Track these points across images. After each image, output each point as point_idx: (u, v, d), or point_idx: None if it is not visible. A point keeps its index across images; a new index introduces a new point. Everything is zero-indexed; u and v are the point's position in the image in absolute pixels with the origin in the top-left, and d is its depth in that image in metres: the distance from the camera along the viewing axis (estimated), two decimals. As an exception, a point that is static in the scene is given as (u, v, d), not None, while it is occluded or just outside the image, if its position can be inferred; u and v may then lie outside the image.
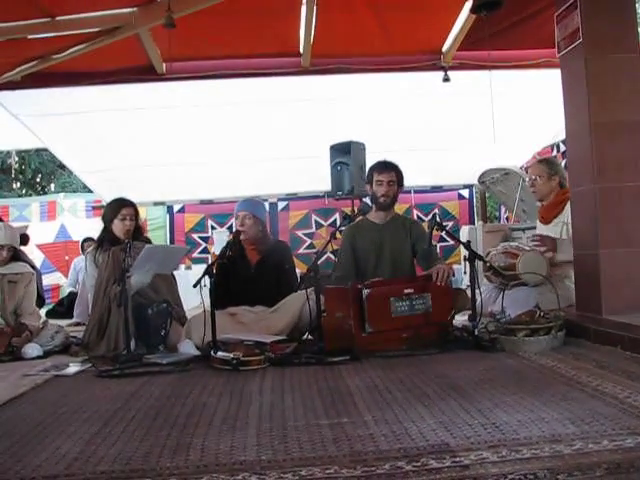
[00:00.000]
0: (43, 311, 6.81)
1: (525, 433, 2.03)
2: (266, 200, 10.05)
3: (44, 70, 5.84)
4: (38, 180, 20.89)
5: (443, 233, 4.36)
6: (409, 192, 10.32)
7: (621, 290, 3.84)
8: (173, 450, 2.07)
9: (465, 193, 11.11)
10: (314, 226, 10.81)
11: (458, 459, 1.84)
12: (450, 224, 10.46)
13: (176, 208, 10.91)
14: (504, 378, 2.92)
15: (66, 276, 10.36)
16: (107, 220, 4.62)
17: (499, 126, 6.74)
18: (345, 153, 7.24)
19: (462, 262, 4.22)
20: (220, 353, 3.58)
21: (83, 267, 5.15)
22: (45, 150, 12.14)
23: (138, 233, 4.68)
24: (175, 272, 4.69)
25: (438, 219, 4.08)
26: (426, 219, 10.21)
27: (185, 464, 1.93)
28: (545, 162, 4.90)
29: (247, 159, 9.11)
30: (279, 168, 9.42)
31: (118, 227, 4.55)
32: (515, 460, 1.80)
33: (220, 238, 9.64)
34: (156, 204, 10.81)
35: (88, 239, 8.41)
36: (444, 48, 6.22)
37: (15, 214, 11.61)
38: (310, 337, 4.13)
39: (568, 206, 4.38)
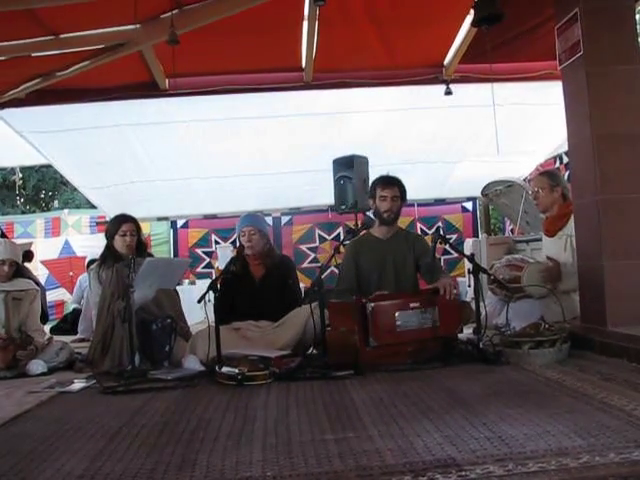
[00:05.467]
0: (47, 327, 6.81)
1: (531, 446, 2.02)
2: (269, 215, 10.07)
3: (48, 87, 5.89)
4: (42, 196, 20.96)
5: (447, 246, 4.34)
6: (412, 205, 10.29)
7: (626, 301, 3.84)
8: (178, 466, 2.06)
9: (469, 206, 11.08)
10: (318, 240, 10.79)
11: (464, 473, 1.83)
12: (454, 237, 10.42)
13: (180, 223, 10.89)
14: (509, 391, 2.91)
15: (70, 292, 10.33)
16: (109, 237, 4.63)
17: (502, 138, 6.75)
18: (348, 167, 7.27)
19: (466, 275, 4.23)
20: (225, 368, 3.57)
21: (88, 285, 5.15)
22: (46, 167, 12.16)
23: (142, 249, 4.68)
24: (179, 287, 4.70)
25: (442, 232, 4.09)
26: (430, 232, 10.18)
27: (190, 480, 1.93)
28: (547, 174, 4.92)
29: (250, 174, 9.11)
30: (282, 182, 9.43)
31: (119, 243, 4.56)
32: (521, 474, 1.80)
33: (224, 253, 9.60)
34: (160, 219, 10.80)
35: (93, 260, 8.37)
36: (446, 61, 6.25)
37: (20, 230, 11.63)
38: (314, 351, 4.13)
39: (572, 219, 4.38)
